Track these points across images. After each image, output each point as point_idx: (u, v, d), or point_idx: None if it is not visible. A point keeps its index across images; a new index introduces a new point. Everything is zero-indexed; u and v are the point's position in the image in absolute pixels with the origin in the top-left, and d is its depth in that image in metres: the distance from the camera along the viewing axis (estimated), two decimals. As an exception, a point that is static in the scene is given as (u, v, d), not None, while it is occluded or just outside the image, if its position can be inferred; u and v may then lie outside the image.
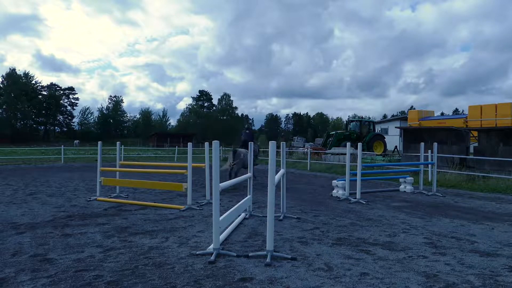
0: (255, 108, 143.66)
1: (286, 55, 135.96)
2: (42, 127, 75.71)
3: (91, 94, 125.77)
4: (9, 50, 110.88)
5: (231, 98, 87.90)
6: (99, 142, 8.89)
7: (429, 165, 11.65)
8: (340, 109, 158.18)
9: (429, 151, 11.07)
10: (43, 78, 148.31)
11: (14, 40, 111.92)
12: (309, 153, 19.44)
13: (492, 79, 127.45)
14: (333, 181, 9.51)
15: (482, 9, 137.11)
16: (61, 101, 77.33)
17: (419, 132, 17.26)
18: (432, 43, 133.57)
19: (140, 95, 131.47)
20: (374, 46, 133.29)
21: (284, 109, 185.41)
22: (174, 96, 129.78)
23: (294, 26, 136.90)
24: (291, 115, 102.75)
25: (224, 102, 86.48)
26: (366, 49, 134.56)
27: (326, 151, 22.45)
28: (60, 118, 78.02)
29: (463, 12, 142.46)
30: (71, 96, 79.95)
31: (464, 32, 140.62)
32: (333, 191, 9.31)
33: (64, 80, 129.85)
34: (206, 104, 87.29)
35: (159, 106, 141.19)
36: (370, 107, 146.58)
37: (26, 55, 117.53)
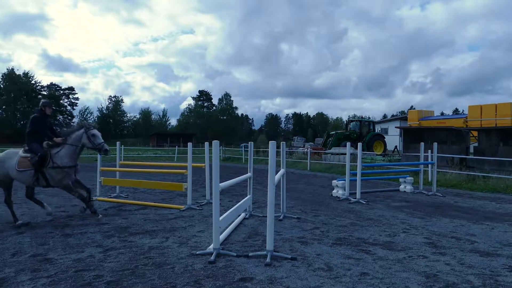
0: (258, 108, 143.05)
1: (293, 54, 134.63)
2: (42, 127, 75.68)
3: (95, 94, 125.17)
4: (15, 49, 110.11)
5: (236, 98, 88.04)
6: (99, 142, 8.88)
7: (429, 165, 11.65)
8: (344, 109, 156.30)
9: (429, 151, 11.07)
10: (48, 78, 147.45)
11: (19, 39, 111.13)
12: (309, 153, 19.44)
13: (500, 79, 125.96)
14: (333, 181, 9.51)
15: (491, 8, 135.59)
16: (61, 101, 77.27)
17: (419, 132, 17.26)
18: (440, 42, 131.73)
19: (145, 95, 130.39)
20: (382, 46, 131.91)
21: (288, 109, 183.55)
22: (179, 96, 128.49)
23: (302, 25, 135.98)
24: (291, 115, 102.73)
25: (224, 102, 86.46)
26: (374, 49, 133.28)
27: (326, 151, 22.45)
28: (60, 118, 77.97)
29: (472, 11, 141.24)
30: (71, 96, 79.94)
31: (472, 31, 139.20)
32: (333, 191, 9.31)
33: (69, 80, 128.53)
34: (206, 104, 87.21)
35: (163, 106, 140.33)
36: (375, 107, 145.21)
37: (31, 55, 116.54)
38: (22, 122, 70.85)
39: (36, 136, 5.96)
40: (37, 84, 73.38)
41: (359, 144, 8.67)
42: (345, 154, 9.37)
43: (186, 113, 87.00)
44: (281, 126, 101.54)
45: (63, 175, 5.86)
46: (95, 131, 6.17)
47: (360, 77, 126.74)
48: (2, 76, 67.90)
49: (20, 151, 6.09)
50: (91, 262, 3.96)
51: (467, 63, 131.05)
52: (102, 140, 6.17)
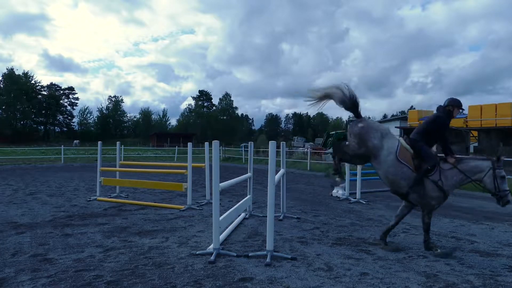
0: (258, 108, 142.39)
1: (293, 54, 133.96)
2: (42, 127, 75.65)
3: (96, 94, 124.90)
4: (16, 49, 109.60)
5: (236, 98, 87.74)
6: (99, 142, 8.88)
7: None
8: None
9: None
10: (49, 78, 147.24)
11: (20, 39, 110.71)
12: (309, 153, 19.44)
13: (500, 79, 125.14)
14: (333, 181, 9.51)
15: (492, 8, 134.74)
16: (61, 101, 77.27)
17: (419, 132, 17.22)
18: (441, 42, 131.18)
19: (145, 95, 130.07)
20: (383, 46, 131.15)
21: (288, 109, 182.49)
22: (179, 96, 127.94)
23: (303, 25, 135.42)
24: (291, 115, 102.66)
25: (224, 102, 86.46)
26: (375, 49, 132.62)
27: (326, 151, 22.46)
28: (60, 118, 77.95)
29: (473, 11, 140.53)
30: (71, 96, 79.93)
31: (473, 31, 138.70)
32: (333, 191, 9.31)
33: (70, 80, 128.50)
34: (206, 104, 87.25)
35: (163, 106, 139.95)
36: (376, 107, 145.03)
37: (32, 55, 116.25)
38: (22, 122, 70.93)
39: (428, 137, 4.85)
40: (37, 84, 73.39)
41: (359, 144, 8.65)
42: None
43: (186, 113, 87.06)
44: (281, 126, 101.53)
45: (438, 197, 4.69)
46: (504, 173, 4.57)
47: (361, 77, 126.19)
48: (2, 76, 67.90)
49: (400, 138, 4.96)
50: (91, 262, 3.96)
51: (467, 63, 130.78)
52: (508, 188, 4.57)
